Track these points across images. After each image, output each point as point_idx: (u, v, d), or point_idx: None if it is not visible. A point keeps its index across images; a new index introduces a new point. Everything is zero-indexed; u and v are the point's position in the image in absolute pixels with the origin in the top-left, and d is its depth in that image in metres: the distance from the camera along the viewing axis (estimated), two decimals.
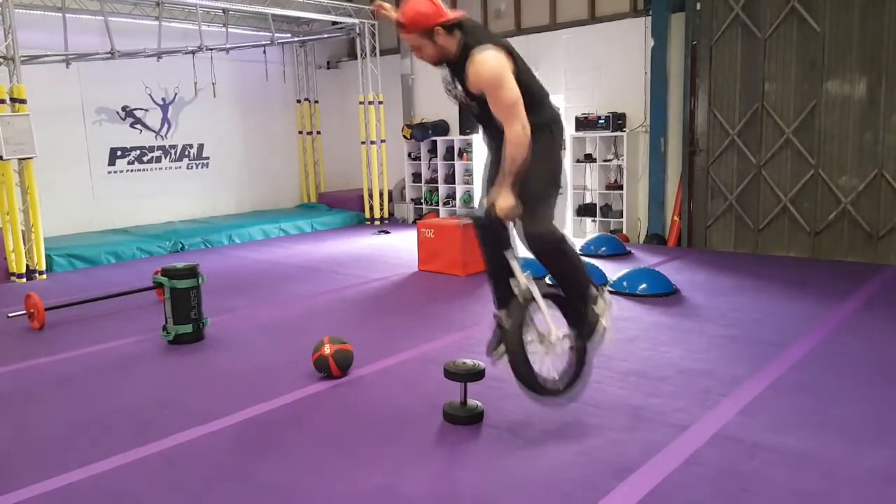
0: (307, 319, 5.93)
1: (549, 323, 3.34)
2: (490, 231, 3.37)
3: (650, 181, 9.53)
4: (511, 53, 3.18)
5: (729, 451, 3.25)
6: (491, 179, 3.35)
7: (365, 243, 9.94)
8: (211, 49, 9.94)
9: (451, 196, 11.68)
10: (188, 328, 5.16)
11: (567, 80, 10.33)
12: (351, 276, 7.62)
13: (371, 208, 11.89)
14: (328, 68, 13.31)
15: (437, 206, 11.80)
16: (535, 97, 3.22)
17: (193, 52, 10.10)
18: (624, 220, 9.67)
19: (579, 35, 10.17)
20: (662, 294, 6.31)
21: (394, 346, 5.03)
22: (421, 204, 12.10)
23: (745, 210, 8.48)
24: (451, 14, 3.15)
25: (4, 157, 7.48)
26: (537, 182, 3.20)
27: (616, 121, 9.61)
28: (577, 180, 10.11)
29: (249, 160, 12.02)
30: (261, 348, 5.11)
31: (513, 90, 3.08)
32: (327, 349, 4.33)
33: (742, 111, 8.37)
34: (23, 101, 7.61)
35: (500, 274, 3.46)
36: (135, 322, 5.95)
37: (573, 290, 3.40)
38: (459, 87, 3.27)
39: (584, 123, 9.85)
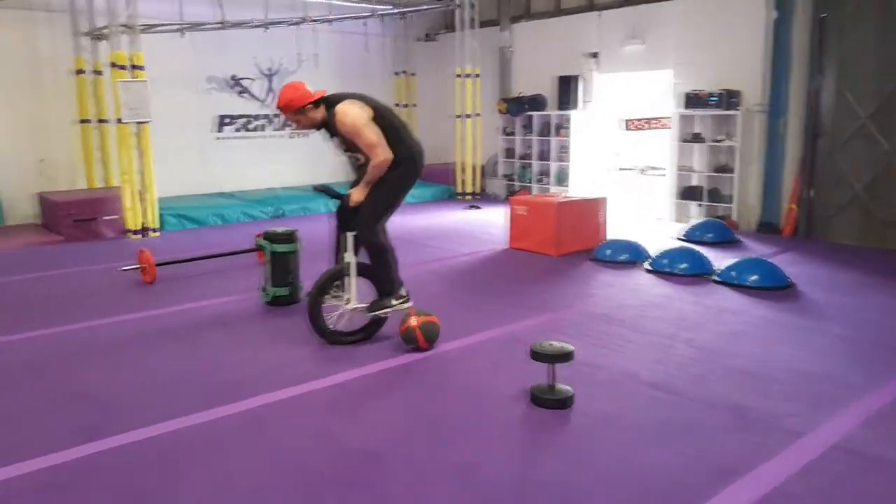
0: None
1: (352, 292, 4.42)
2: (342, 215, 4.48)
3: (765, 165, 8.91)
4: (367, 103, 4.29)
5: (848, 464, 2.99)
6: (356, 179, 4.52)
7: (456, 217, 9.92)
8: (315, 20, 10.10)
9: (545, 173, 11.44)
10: (285, 291, 5.31)
11: (677, 55, 9.80)
12: (440, 250, 7.62)
13: (462, 183, 11.84)
14: (426, 40, 13.26)
15: (530, 183, 11.60)
16: (395, 132, 4.31)
17: (298, 23, 10.30)
18: (734, 205, 9.13)
19: (692, 6, 9.60)
20: (775, 287, 5.89)
21: (481, 322, 4.98)
22: (513, 180, 11.93)
23: (873, 201, 7.80)
24: (314, 94, 4.28)
25: (123, 121, 7.93)
26: (378, 202, 4.35)
27: (729, 99, 9.05)
28: (683, 161, 9.62)
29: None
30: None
31: (371, 130, 4.20)
32: (414, 321, 4.34)
33: (875, 93, 7.66)
34: (141, 68, 8.01)
35: (338, 248, 4.57)
36: (236, 282, 6.19)
37: (379, 282, 4.52)
38: (338, 140, 4.39)
39: (693, 101, 9.33)
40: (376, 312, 4.46)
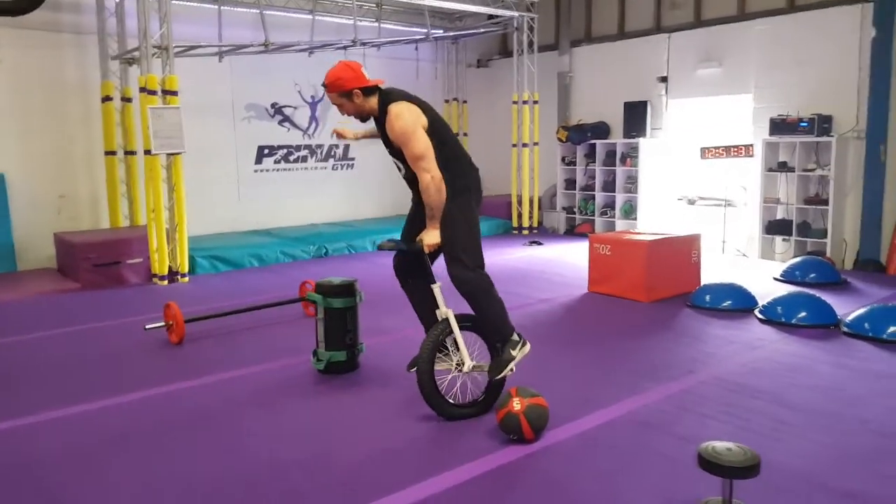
0: (471, 347, 4.97)
1: (464, 352, 3.68)
2: (409, 267, 3.82)
3: (864, 196, 7.86)
4: (425, 109, 3.59)
5: None
6: (412, 218, 3.89)
7: (517, 255, 8.94)
8: (364, 44, 9.34)
9: (610, 205, 10.45)
10: (342, 355, 4.35)
11: (758, 78, 8.83)
12: (512, 295, 6.60)
13: (519, 216, 10.88)
14: (478, 67, 12.47)
15: (593, 216, 10.60)
16: (451, 151, 3.64)
17: (346, 48, 9.55)
18: (828, 240, 8.05)
19: (775, 26, 8.66)
20: None
21: (589, 396, 3.97)
22: (573, 213, 10.95)
23: None
24: (369, 81, 3.60)
25: (153, 152, 7.15)
26: (457, 235, 3.61)
27: (821, 124, 8.02)
28: (769, 192, 8.57)
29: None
30: (389, 384, 4.19)
31: (422, 141, 3.49)
32: (517, 404, 3.34)
33: None
34: (174, 93, 7.25)
35: (423, 306, 3.82)
36: (280, 340, 5.27)
37: (490, 330, 3.75)
38: (386, 140, 3.66)
39: (780, 127, 8.32)
40: (503, 373, 3.65)
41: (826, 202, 8.08)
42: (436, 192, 3.50)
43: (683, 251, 6.56)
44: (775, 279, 7.16)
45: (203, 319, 5.36)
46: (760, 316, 5.64)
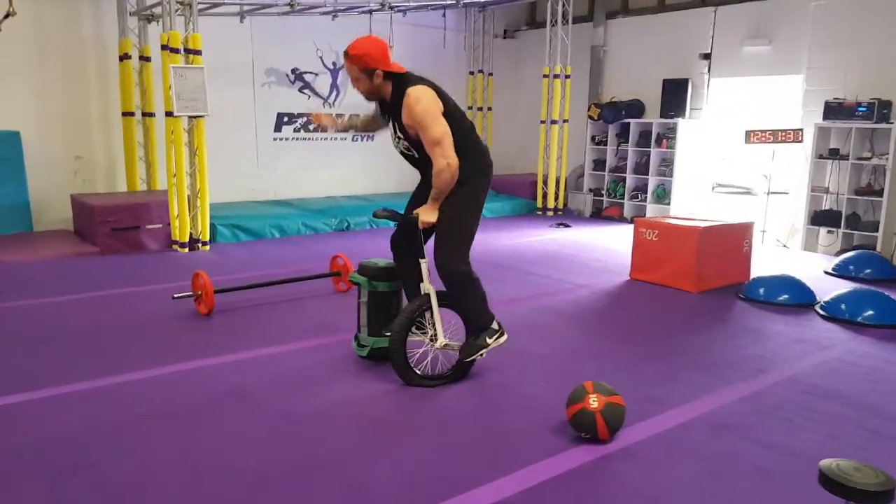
0: (518, 337, 4.65)
1: (439, 329, 3.70)
2: (403, 240, 3.77)
3: None
4: (441, 95, 3.50)
5: None
6: (416, 193, 3.84)
7: (546, 237, 8.59)
8: (393, 7, 8.90)
9: (641, 188, 10.06)
10: (384, 341, 4.01)
11: (811, 58, 8.38)
12: (547, 280, 6.29)
13: (544, 196, 10.51)
14: (504, 38, 12.00)
15: (622, 199, 10.22)
16: (465, 138, 3.53)
17: (372, 11, 9.12)
18: (880, 234, 7.68)
19: (833, 2, 8.19)
20: None
21: (656, 395, 3.64)
22: (601, 195, 10.57)
23: None
24: (394, 65, 3.49)
25: (175, 114, 6.77)
26: (455, 223, 3.57)
27: (881, 110, 7.60)
28: (817, 180, 8.18)
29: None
30: (475, 376, 3.88)
31: (441, 125, 3.42)
32: (594, 401, 3.01)
33: None
34: (198, 53, 6.86)
35: (410, 279, 3.80)
36: (312, 318, 4.94)
37: (468, 319, 3.73)
38: (397, 130, 3.59)
39: (836, 111, 7.90)
40: (473, 357, 3.70)
41: (879, 193, 7.69)
42: (450, 177, 3.46)
43: (735, 240, 6.20)
44: (826, 273, 6.81)
45: (232, 291, 5.04)
46: (822, 312, 5.30)
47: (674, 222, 6.16)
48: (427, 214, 3.57)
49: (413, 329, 3.67)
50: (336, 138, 10.40)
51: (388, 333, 3.71)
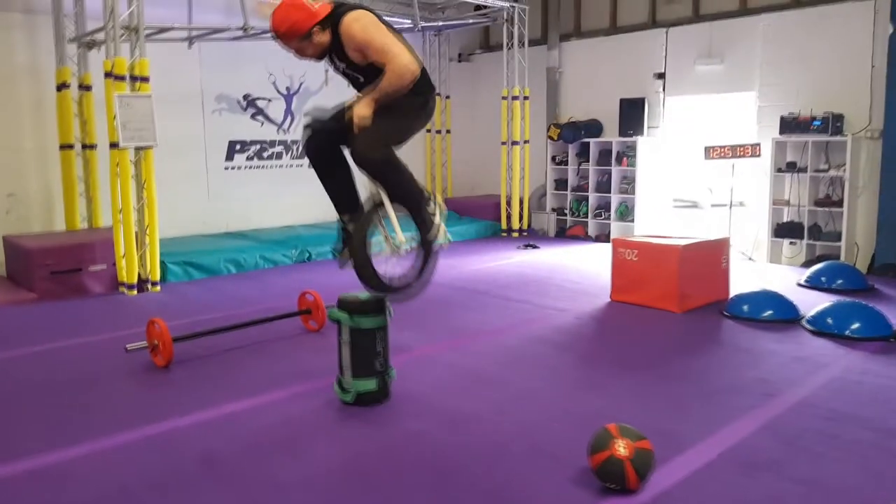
0: (507, 368, 4.38)
1: (396, 226, 3.48)
2: (330, 136, 3.41)
3: (881, 198, 7.57)
4: (380, 18, 3.27)
5: None
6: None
7: (515, 259, 8.37)
8: None
9: (604, 206, 9.99)
10: (371, 384, 3.68)
11: (763, 75, 8.49)
12: (528, 305, 6.05)
13: (509, 218, 10.33)
14: (459, 61, 11.86)
15: (586, 217, 10.13)
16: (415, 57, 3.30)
17: None
18: (843, 244, 7.75)
19: (781, 22, 8.34)
20: None
21: (669, 430, 3.40)
22: (564, 215, 10.46)
23: None
24: (322, 9, 3.20)
25: (122, 145, 6.30)
26: (391, 125, 3.27)
27: (834, 123, 7.72)
28: (777, 193, 8.23)
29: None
30: (473, 417, 3.57)
31: (388, 35, 3.19)
32: (622, 448, 2.74)
33: None
34: (145, 80, 6.42)
35: (341, 180, 3.52)
36: (282, 362, 4.55)
37: (409, 198, 3.47)
38: (345, 66, 3.34)
39: (791, 125, 7.99)
40: (433, 234, 3.51)
41: (838, 204, 7.79)
42: (409, 78, 3.16)
43: (713, 256, 6.10)
44: (800, 285, 6.79)
45: (193, 338, 4.59)
46: (810, 327, 5.21)
47: (652, 241, 6.02)
48: (363, 107, 3.18)
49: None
50: (291, 166, 9.98)
51: (345, 259, 3.47)
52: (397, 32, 3.32)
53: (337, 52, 3.28)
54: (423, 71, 3.36)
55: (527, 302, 6.16)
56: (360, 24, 3.16)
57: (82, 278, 6.61)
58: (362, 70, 3.29)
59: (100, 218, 7.71)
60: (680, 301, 5.72)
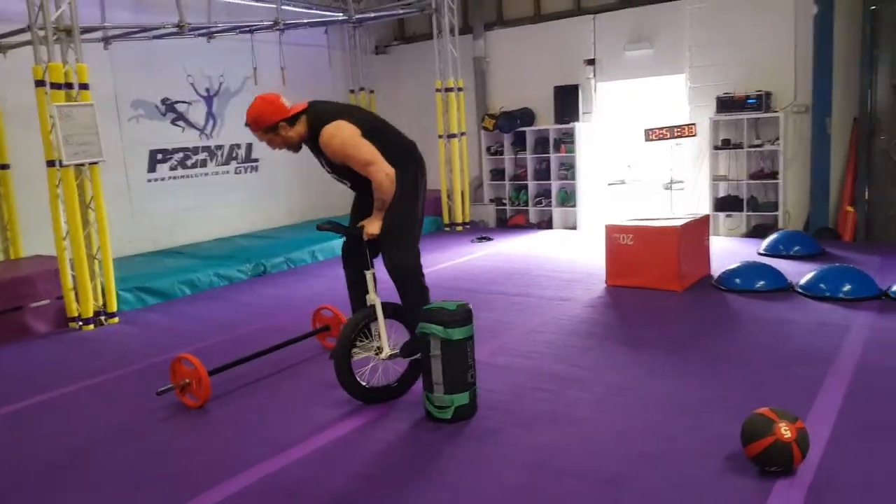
0: (565, 363, 4.25)
1: (383, 338, 3.69)
2: (352, 253, 3.81)
3: (813, 167, 8.18)
4: (355, 117, 3.59)
5: None
6: (356, 205, 3.89)
7: (480, 254, 8.24)
8: (277, 23, 8.05)
9: (543, 194, 10.11)
10: (465, 397, 3.44)
11: (692, 57, 8.91)
12: (531, 299, 5.95)
13: (450, 212, 10.19)
14: (377, 53, 11.51)
15: (527, 206, 10.21)
16: (393, 146, 3.61)
17: (251, 31, 8.22)
18: (780, 213, 8.33)
19: (707, 5, 8.77)
20: None
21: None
22: (503, 205, 10.48)
23: None
24: (291, 109, 3.57)
25: (66, 162, 5.50)
26: (396, 219, 3.62)
27: (766, 100, 8.26)
28: (715, 170, 8.70)
29: (300, 161, 9.96)
30: (583, 419, 3.42)
31: (365, 147, 3.50)
32: (786, 431, 2.71)
33: None
34: (85, 87, 5.65)
35: (357, 290, 3.85)
36: (327, 386, 4.12)
37: (410, 312, 3.68)
38: (324, 161, 3.67)
39: (727, 104, 8.45)
40: (416, 354, 3.61)
41: (772, 176, 8.35)
42: (391, 186, 3.52)
43: (699, 235, 6.32)
44: (760, 254, 7.18)
45: (231, 367, 4.07)
46: (806, 293, 5.51)
47: (644, 224, 6.13)
48: (372, 226, 3.60)
49: (357, 343, 3.64)
50: (217, 173, 9.24)
51: (331, 351, 3.68)
52: (370, 119, 3.70)
53: (319, 153, 3.61)
54: (406, 149, 3.66)
55: (526, 295, 6.07)
56: (338, 141, 3.46)
57: (24, 317, 5.72)
58: (341, 169, 3.63)
59: (20, 248, 6.74)
60: (680, 280, 5.86)
